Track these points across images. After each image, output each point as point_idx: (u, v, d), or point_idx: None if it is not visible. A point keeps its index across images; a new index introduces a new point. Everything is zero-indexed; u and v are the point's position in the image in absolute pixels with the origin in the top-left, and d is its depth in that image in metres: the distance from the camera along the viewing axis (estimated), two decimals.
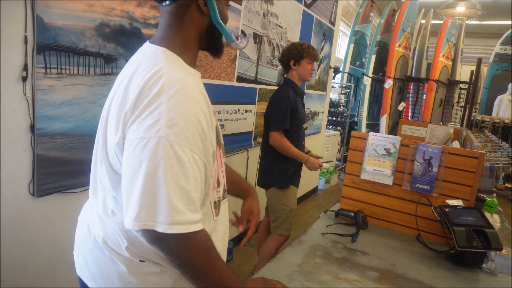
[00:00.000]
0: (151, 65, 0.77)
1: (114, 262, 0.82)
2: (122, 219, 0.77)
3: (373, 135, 1.58)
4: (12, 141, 1.32)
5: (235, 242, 2.95)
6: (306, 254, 1.25)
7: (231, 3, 2.33)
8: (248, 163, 2.96)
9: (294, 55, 2.19)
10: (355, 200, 1.66)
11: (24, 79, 1.31)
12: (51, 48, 1.37)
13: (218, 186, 0.91)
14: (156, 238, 0.72)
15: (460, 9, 3.55)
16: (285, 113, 2.12)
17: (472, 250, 1.23)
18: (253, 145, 2.94)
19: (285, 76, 2.31)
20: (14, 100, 1.30)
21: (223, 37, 0.90)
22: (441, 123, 5.60)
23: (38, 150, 1.39)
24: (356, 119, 6.22)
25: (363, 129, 5.76)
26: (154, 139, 0.70)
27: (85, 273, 0.89)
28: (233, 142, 2.67)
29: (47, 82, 1.38)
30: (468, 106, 4.54)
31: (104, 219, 0.84)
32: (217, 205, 0.91)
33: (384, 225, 1.59)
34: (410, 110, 6.17)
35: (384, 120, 5.63)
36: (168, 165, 0.70)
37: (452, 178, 1.45)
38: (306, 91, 3.81)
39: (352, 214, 1.57)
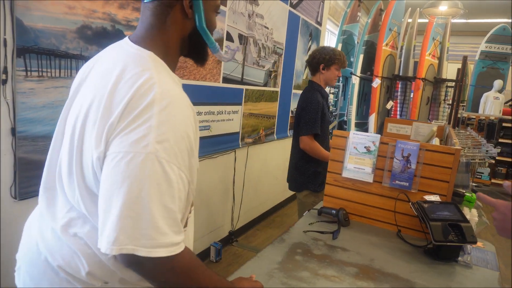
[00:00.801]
0: (139, 71, 0.72)
1: (71, 284, 0.75)
2: (86, 241, 0.73)
3: (354, 133, 1.61)
4: None
5: (223, 242, 2.96)
6: (286, 252, 1.27)
7: None
8: (236, 163, 2.97)
9: (326, 60, 2.22)
10: (338, 198, 1.68)
11: (4, 82, 1.31)
12: (31, 50, 1.37)
13: (192, 205, 0.88)
14: (134, 261, 0.67)
15: (443, 8, 3.61)
16: (315, 117, 2.14)
17: (448, 244, 1.27)
18: (240, 146, 2.96)
19: (310, 79, 2.33)
20: None
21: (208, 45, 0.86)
22: (428, 120, 5.68)
23: (20, 153, 1.39)
24: (345, 118, 6.27)
25: (352, 128, 5.81)
26: (141, 155, 0.65)
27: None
28: (220, 143, 2.68)
29: (28, 85, 1.38)
30: (454, 103, 4.61)
31: (62, 239, 0.76)
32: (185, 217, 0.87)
33: (366, 222, 1.62)
34: (398, 109, 6.24)
35: (372, 119, 5.69)
36: (154, 184, 0.65)
37: (430, 174, 1.48)
38: (293, 91, 3.85)
39: (334, 212, 1.59)
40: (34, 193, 1.47)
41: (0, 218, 1.39)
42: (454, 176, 1.45)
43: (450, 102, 5.59)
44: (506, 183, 0.81)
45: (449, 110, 5.47)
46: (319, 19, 4.16)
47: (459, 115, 5.68)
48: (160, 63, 0.78)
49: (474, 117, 5.27)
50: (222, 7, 2.42)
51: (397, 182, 1.52)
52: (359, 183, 1.62)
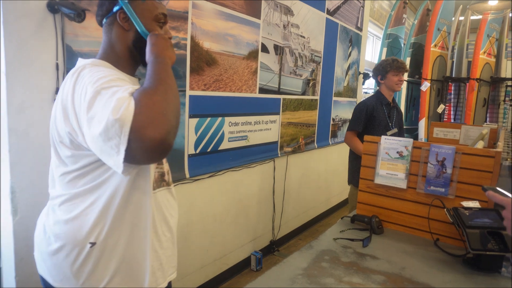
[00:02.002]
0: (76, 67, 0.93)
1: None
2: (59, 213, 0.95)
3: (385, 138, 1.58)
4: (45, 157, 1.48)
5: (264, 252, 2.99)
6: (313, 258, 1.27)
7: (249, 17, 2.43)
8: (275, 172, 3.00)
9: (380, 70, 2.53)
10: (371, 205, 1.64)
11: None
12: None
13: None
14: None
15: (493, 2, 3.37)
16: (359, 116, 2.46)
17: (487, 253, 1.19)
18: (279, 155, 2.99)
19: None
20: (49, 121, 1.47)
21: None
22: (485, 123, 5.27)
23: None
24: None
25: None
26: (91, 93, 0.81)
27: (44, 271, 0.99)
28: (258, 153, 2.74)
29: None
30: None
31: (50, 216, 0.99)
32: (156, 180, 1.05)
33: (400, 230, 1.56)
34: (452, 112, 5.87)
35: (422, 124, 5.42)
36: (107, 103, 0.79)
37: (468, 179, 1.40)
38: (334, 98, 3.80)
39: (367, 219, 1.56)
40: None
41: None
42: (496, 181, 1.36)
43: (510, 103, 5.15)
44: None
45: (510, 111, 5.03)
46: (359, 24, 4.10)
47: None
48: (100, 62, 0.96)
49: None
50: (256, 20, 2.50)
51: (432, 188, 1.46)
52: (393, 189, 1.58)
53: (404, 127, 5.84)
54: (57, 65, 1.47)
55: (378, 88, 2.62)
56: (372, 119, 2.46)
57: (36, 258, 1.03)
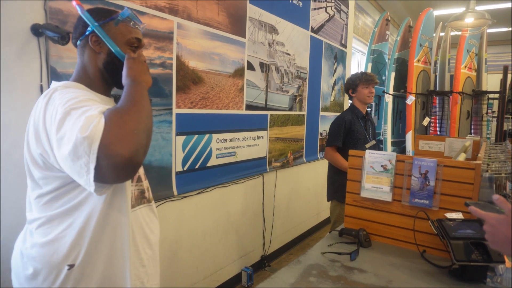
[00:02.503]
0: (48, 90, 0.94)
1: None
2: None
3: (370, 152, 1.60)
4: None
5: (255, 267, 2.96)
6: (301, 273, 1.27)
7: (234, 36, 2.48)
8: (264, 187, 3.01)
9: (350, 84, 2.60)
10: (359, 219, 1.66)
11: None
12: None
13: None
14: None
15: (469, 20, 3.51)
16: (338, 131, 2.48)
17: (471, 263, 1.20)
18: (267, 170, 3.00)
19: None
20: None
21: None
22: (469, 135, 5.38)
23: None
24: (381, 137, 6.12)
25: (389, 147, 5.64)
26: (61, 114, 0.82)
27: None
28: (247, 168, 2.74)
29: None
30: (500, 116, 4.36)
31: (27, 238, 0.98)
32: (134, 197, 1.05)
33: (388, 243, 1.57)
34: (438, 125, 5.99)
35: (409, 137, 5.51)
36: (75, 123, 0.79)
37: (451, 191, 1.43)
38: (321, 113, 3.86)
39: (354, 232, 1.57)
40: None
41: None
42: (477, 192, 1.39)
43: (493, 115, 5.28)
44: (495, 196, 0.79)
45: (492, 123, 5.15)
46: (343, 41, 4.20)
47: (505, 128, 5.34)
48: (73, 84, 0.98)
49: None
50: (241, 39, 2.55)
51: (416, 200, 1.48)
52: (379, 202, 1.59)
53: (392, 140, 5.93)
54: (41, 86, 1.48)
55: (351, 102, 2.67)
56: (350, 133, 2.48)
57: (14, 283, 1.01)
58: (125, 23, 1.00)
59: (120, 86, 1.00)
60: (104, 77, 1.02)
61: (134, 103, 0.84)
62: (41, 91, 1.47)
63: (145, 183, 1.13)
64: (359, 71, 2.62)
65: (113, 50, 0.97)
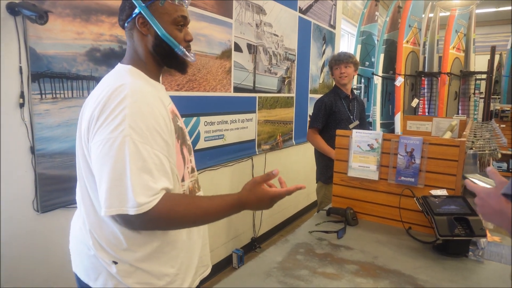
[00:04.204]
0: (116, 80, 0.90)
1: (96, 258, 0.95)
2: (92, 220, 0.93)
3: (356, 132, 1.61)
4: (14, 162, 1.44)
5: (246, 249, 2.99)
6: (288, 252, 1.29)
7: (221, 17, 2.43)
8: (254, 170, 3.01)
9: (329, 66, 2.61)
10: (346, 198, 1.67)
11: (22, 105, 1.44)
12: (44, 75, 1.49)
13: (183, 181, 1.00)
14: (126, 220, 0.84)
15: (456, 0, 3.50)
16: (317, 114, 2.49)
17: (455, 238, 1.23)
18: (257, 153, 2.99)
19: None
20: (13, 125, 1.43)
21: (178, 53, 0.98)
22: (456, 115, 5.44)
23: (39, 169, 1.51)
24: (370, 119, 6.15)
25: (378, 128, 5.68)
26: (119, 138, 0.81)
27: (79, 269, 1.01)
28: (235, 151, 2.74)
29: (43, 106, 1.50)
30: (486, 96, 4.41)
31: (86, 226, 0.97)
32: None
33: (374, 221, 1.60)
34: (426, 106, 6.03)
35: (398, 118, 5.54)
36: (132, 160, 0.80)
37: (436, 169, 1.45)
38: (310, 95, 3.85)
39: (342, 211, 1.58)
40: (55, 206, 1.58)
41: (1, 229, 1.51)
42: (461, 169, 1.41)
43: (480, 96, 5.34)
44: (489, 168, 0.80)
45: (479, 103, 5.22)
46: (332, 22, 4.16)
47: (492, 108, 5.40)
48: (137, 73, 0.96)
49: (508, 109, 5.00)
50: (228, 20, 2.50)
51: (402, 178, 1.50)
52: (366, 181, 1.61)
53: (381, 121, 5.96)
54: (20, 68, 1.43)
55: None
56: (332, 114, 2.47)
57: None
58: (170, 1, 0.96)
59: (173, 66, 1.01)
60: (156, 59, 0.99)
61: (209, 215, 0.89)
62: (21, 73, 1.43)
63: (196, 173, 1.15)
64: (336, 53, 2.63)
65: (159, 33, 0.94)
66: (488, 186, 0.81)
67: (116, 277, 0.92)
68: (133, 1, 0.93)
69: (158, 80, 1.04)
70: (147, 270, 0.94)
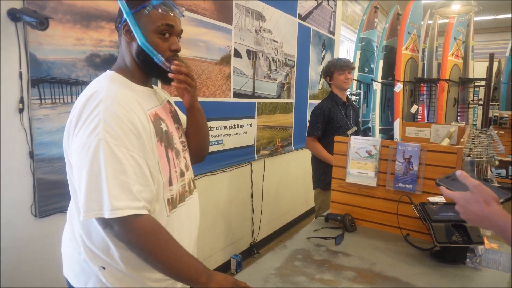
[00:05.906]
0: (94, 86, 0.93)
1: (86, 263, 0.95)
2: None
3: (355, 138, 1.61)
4: (13, 167, 1.45)
5: (245, 255, 2.98)
6: (286, 258, 1.29)
7: (220, 23, 2.45)
8: (253, 175, 3.01)
9: (327, 72, 2.57)
10: (344, 204, 1.68)
11: (21, 110, 1.44)
12: (44, 80, 1.50)
13: (171, 185, 0.99)
14: (105, 224, 0.84)
15: (456, 7, 3.52)
16: (317, 121, 2.47)
17: (452, 245, 1.23)
18: (256, 158, 3.00)
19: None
20: (13, 129, 1.43)
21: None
22: (455, 122, 5.45)
23: (38, 174, 1.51)
24: (369, 125, 6.16)
25: (377, 134, 5.69)
26: (94, 141, 0.82)
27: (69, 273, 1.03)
28: (234, 156, 2.74)
29: (43, 111, 1.51)
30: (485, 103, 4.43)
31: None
32: (170, 202, 0.99)
33: (372, 227, 1.60)
34: (425, 112, 6.05)
35: (397, 124, 5.55)
36: (107, 162, 0.82)
37: (433, 175, 1.45)
38: (310, 101, 3.86)
39: (340, 217, 1.59)
40: (54, 211, 1.58)
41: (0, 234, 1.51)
42: None
43: (479, 103, 5.35)
44: (458, 172, 0.80)
45: (479, 110, 5.23)
46: (331, 29, 4.19)
47: (491, 115, 5.42)
48: (117, 78, 0.98)
49: (507, 115, 5.01)
50: (227, 26, 2.52)
51: (400, 184, 1.50)
52: (364, 187, 1.61)
53: (380, 127, 5.97)
54: (20, 73, 1.44)
55: (331, 89, 2.64)
56: (330, 121, 2.46)
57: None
58: (156, 10, 0.95)
59: (156, 76, 1.01)
60: (140, 67, 0.99)
61: (178, 262, 0.86)
62: (21, 78, 1.43)
63: (188, 175, 1.11)
64: (335, 58, 2.59)
65: (138, 41, 0.94)
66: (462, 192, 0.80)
67: (105, 283, 0.92)
68: (121, 8, 0.95)
69: (147, 85, 1.04)
70: (135, 276, 0.94)
